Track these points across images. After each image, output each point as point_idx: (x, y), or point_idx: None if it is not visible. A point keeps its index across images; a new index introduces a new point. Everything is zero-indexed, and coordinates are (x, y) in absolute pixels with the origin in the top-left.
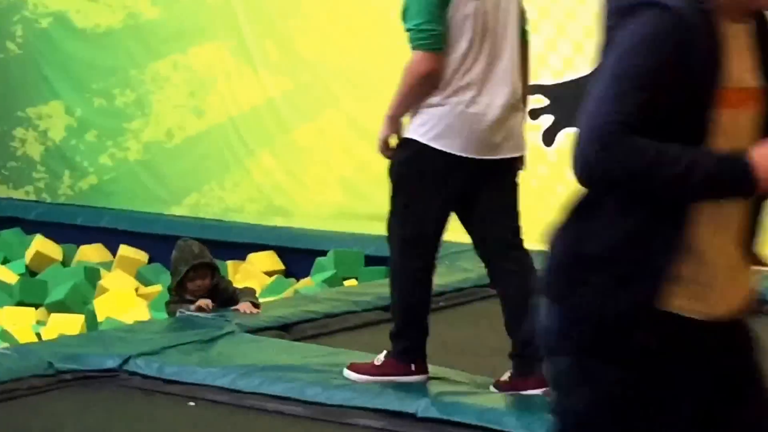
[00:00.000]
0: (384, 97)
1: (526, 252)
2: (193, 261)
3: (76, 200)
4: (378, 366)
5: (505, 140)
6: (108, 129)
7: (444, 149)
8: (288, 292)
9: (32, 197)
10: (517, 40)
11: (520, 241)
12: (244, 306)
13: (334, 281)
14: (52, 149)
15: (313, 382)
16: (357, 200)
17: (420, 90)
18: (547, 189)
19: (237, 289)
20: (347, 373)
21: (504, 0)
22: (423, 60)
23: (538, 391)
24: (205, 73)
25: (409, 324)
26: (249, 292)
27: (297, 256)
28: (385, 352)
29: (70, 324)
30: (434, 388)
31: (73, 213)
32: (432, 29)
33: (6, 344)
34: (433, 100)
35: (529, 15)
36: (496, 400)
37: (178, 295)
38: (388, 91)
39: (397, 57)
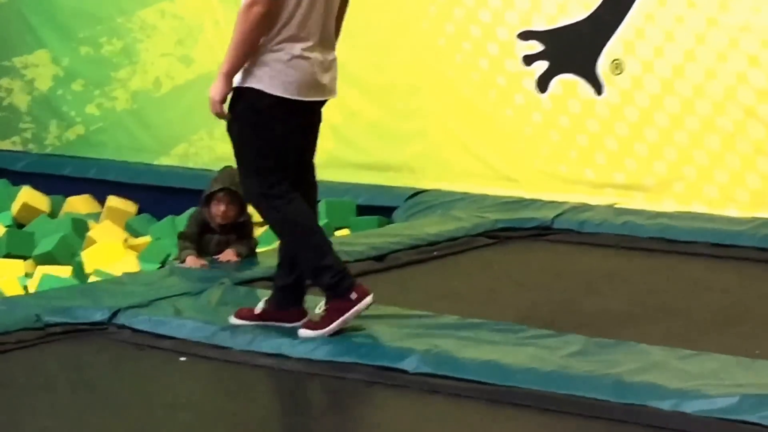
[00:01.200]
0: (372, 44)
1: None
2: (229, 185)
3: (64, 151)
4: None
5: (330, 82)
6: (95, 78)
7: (280, 94)
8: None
9: (19, 148)
10: None
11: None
12: (225, 254)
13: (325, 231)
14: (38, 99)
15: (301, 341)
16: (348, 149)
17: (256, 34)
18: (542, 136)
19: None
20: (231, 319)
21: None
22: (257, 2)
23: (369, 299)
24: (193, 21)
25: (323, 255)
26: (244, 243)
27: None
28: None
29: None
30: (426, 339)
31: (60, 164)
32: None
33: None
34: (263, 47)
35: None
36: (490, 352)
37: (200, 227)
38: (377, 38)
39: (385, 3)
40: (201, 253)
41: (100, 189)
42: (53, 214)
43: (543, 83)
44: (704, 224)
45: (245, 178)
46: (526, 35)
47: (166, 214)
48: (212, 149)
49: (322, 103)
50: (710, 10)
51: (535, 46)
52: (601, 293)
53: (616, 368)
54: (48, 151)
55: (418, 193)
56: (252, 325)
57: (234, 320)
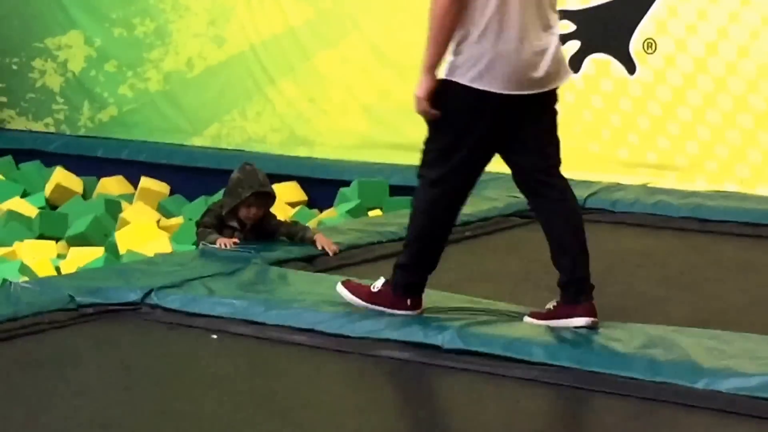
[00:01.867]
0: (405, 23)
1: (564, 179)
2: (258, 188)
3: (97, 132)
4: (374, 293)
5: (548, 72)
6: (128, 59)
7: (486, 88)
8: (312, 223)
9: (52, 129)
10: None
11: (558, 169)
12: (323, 241)
13: (358, 212)
14: (71, 80)
15: (337, 313)
16: (380, 129)
17: (450, 22)
18: (574, 116)
19: (283, 222)
20: (339, 288)
21: None
22: None
23: (585, 320)
24: (225, 1)
25: (420, 262)
26: (306, 227)
27: (320, 186)
28: (382, 279)
29: (90, 257)
30: (459, 319)
31: (93, 145)
32: None
33: (26, 278)
34: (470, 38)
35: None
36: (520, 329)
37: (218, 221)
38: (410, 17)
39: None
40: None
41: (132, 170)
42: (86, 195)
43: (576, 63)
44: (736, 203)
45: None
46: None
47: (198, 194)
48: (244, 130)
49: (544, 94)
50: None
51: (568, 26)
52: (633, 273)
53: (649, 347)
54: (81, 132)
55: None
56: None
57: (348, 296)
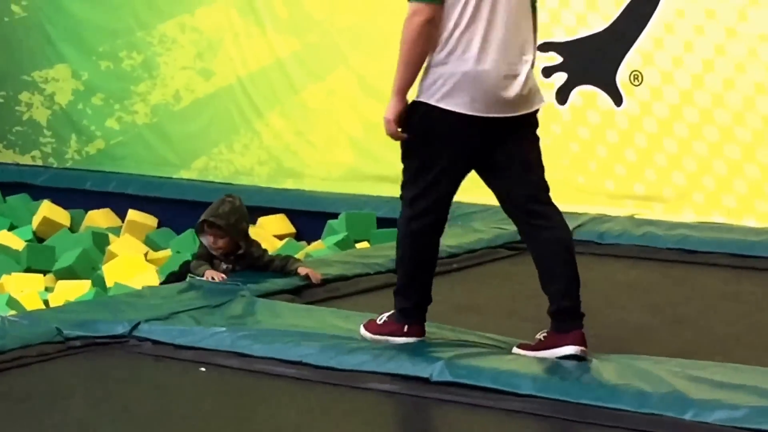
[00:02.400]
0: (392, 56)
1: (554, 206)
2: (207, 217)
3: (84, 165)
4: (379, 324)
5: (518, 96)
6: (115, 92)
7: (453, 109)
8: (299, 255)
9: (39, 162)
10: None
11: (547, 196)
12: (307, 270)
13: (345, 244)
14: (58, 113)
15: (325, 346)
16: (367, 161)
17: (420, 46)
18: (561, 147)
19: (269, 255)
20: (362, 330)
21: None
22: (418, 10)
23: (572, 349)
24: (213, 34)
25: (409, 284)
26: (291, 259)
27: (308, 218)
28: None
29: (78, 290)
30: (448, 351)
31: (80, 178)
32: None
33: (13, 311)
34: (437, 58)
35: None
36: (509, 361)
37: (209, 254)
38: (397, 49)
39: (405, 15)
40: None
41: (120, 203)
42: (74, 228)
43: (562, 95)
44: (723, 235)
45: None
46: (545, 47)
47: (186, 227)
48: (232, 162)
49: (516, 118)
50: (729, 20)
51: (554, 58)
52: (620, 305)
53: (637, 379)
54: (68, 165)
55: None
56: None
57: (363, 331)
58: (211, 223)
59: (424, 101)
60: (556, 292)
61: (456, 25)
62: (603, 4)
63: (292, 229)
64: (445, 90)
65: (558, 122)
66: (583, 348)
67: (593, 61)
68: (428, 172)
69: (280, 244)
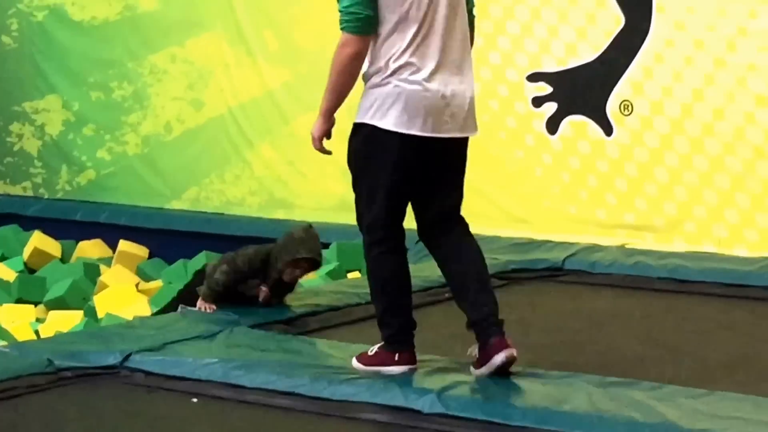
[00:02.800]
0: None
1: (463, 220)
2: (316, 256)
3: (75, 195)
4: (370, 356)
5: (452, 119)
6: (106, 123)
7: (392, 129)
8: None
9: (30, 193)
10: (460, 17)
11: (458, 211)
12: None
13: (337, 274)
14: (49, 144)
15: (317, 376)
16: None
17: (347, 74)
18: (552, 177)
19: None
20: (354, 363)
21: None
22: (348, 42)
23: (501, 357)
24: (204, 65)
25: (387, 310)
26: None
27: None
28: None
29: (69, 321)
30: (440, 381)
31: (71, 208)
32: (358, 12)
33: (4, 342)
34: (375, 80)
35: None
36: (500, 392)
37: (238, 274)
38: None
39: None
40: (236, 296)
41: (111, 233)
42: (65, 259)
43: (553, 125)
44: (714, 264)
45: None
46: (535, 77)
47: (177, 258)
48: (223, 193)
49: (454, 140)
50: (718, 51)
51: (545, 88)
52: (612, 334)
53: (629, 409)
54: (59, 196)
55: None
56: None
57: (355, 363)
58: (316, 261)
59: (365, 122)
60: (470, 303)
61: (396, 49)
62: (592, 35)
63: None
64: (384, 110)
65: (549, 152)
66: (509, 351)
67: (583, 91)
68: (376, 194)
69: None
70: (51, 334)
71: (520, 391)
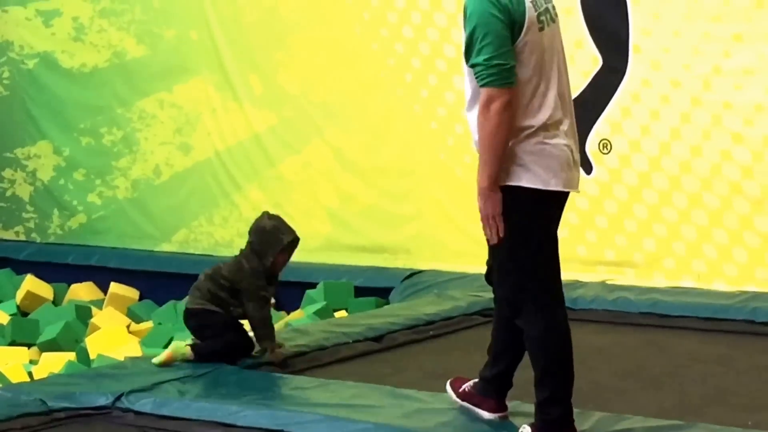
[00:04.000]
0: (366, 128)
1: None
2: (295, 235)
3: (66, 239)
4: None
5: (577, 170)
6: (96, 167)
7: (536, 186)
8: (279, 325)
9: (22, 237)
10: (564, 67)
11: None
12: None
13: (324, 313)
14: (40, 189)
15: (307, 414)
16: (344, 232)
17: (503, 129)
18: None
19: None
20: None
21: (557, 27)
22: (497, 95)
23: (490, 416)
24: (191, 110)
25: (565, 384)
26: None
27: (287, 288)
28: (527, 428)
29: (61, 362)
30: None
31: (63, 252)
32: (504, 63)
33: None
34: (513, 140)
35: None
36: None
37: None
38: (371, 122)
39: (378, 88)
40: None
41: (102, 276)
42: (57, 301)
43: None
44: (694, 299)
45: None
46: None
47: (167, 299)
48: (211, 235)
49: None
50: (694, 89)
51: None
52: (594, 368)
53: None
54: (51, 240)
55: (414, 273)
56: (454, 401)
57: (448, 388)
58: (297, 238)
59: (510, 184)
60: (501, 363)
61: (528, 104)
62: (571, 75)
63: (271, 299)
64: (526, 168)
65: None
66: (504, 414)
67: None
68: (540, 256)
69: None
70: (44, 375)
71: (500, 427)
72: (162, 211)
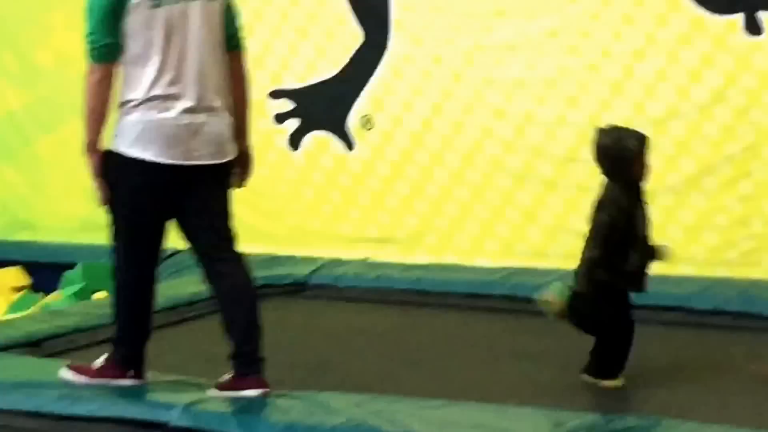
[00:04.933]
0: None
1: (235, 254)
2: None
3: None
4: (97, 370)
5: (204, 146)
6: None
7: (140, 156)
8: (37, 307)
9: None
10: (210, 45)
11: (229, 245)
12: None
13: (83, 294)
14: None
15: (62, 396)
16: (103, 212)
17: (99, 100)
18: (295, 193)
19: None
20: (64, 371)
21: (189, 6)
22: (93, 71)
23: (255, 392)
24: None
25: (129, 333)
26: None
27: (45, 270)
28: (105, 355)
29: None
30: (186, 396)
31: None
32: (100, 40)
33: None
34: (125, 108)
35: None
36: (249, 407)
37: None
38: None
39: None
40: None
41: None
42: None
43: (295, 140)
44: (456, 275)
45: None
46: (276, 94)
47: None
48: None
49: (204, 167)
50: (455, 65)
51: (287, 105)
52: (357, 351)
53: (378, 420)
54: None
55: (176, 253)
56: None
57: (67, 374)
58: None
59: (116, 150)
60: (235, 337)
61: (140, 78)
62: (331, 52)
63: (28, 281)
64: (132, 137)
65: (291, 168)
66: (265, 390)
67: (324, 106)
68: (131, 221)
69: (17, 296)
70: None
71: (275, 407)
72: None
